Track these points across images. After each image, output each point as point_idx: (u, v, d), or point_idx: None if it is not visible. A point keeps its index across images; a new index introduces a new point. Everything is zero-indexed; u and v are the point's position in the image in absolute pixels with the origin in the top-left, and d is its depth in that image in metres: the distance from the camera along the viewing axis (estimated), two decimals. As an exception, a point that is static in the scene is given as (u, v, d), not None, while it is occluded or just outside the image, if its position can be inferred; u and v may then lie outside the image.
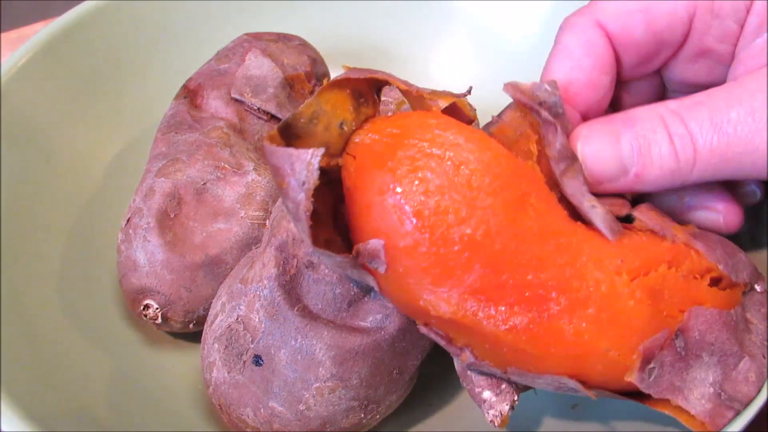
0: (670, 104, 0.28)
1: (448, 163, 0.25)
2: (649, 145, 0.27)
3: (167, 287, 0.35)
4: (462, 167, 0.25)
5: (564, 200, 0.28)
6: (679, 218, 0.31)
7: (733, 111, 0.26)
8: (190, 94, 0.41)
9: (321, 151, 0.23)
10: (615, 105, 0.33)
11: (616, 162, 0.28)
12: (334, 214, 0.27)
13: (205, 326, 0.33)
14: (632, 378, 0.26)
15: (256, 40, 0.43)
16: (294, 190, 0.24)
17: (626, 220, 0.30)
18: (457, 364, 0.28)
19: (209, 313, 0.33)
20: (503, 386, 0.28)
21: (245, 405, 0.30)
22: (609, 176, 0.28)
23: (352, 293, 0.30)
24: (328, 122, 0.26)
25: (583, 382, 0.27)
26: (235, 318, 0.31)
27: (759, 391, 0.28)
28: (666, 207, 0.31)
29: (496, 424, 0.28)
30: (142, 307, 0.36)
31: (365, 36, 0.51)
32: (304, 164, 0.23)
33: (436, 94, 0.28)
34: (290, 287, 0.30)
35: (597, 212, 0.28)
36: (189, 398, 0.36)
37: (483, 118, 0.39)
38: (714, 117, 0.26)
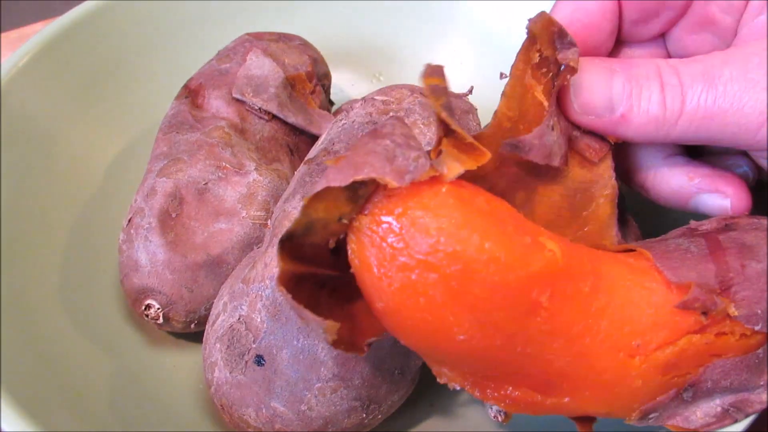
0: (670, 60, 0.28)
1: (453, 282, 0.23)
2: (640, 90, 0.27)
3: (169, 287, 0.35)
4: (468, 287, 0.23)
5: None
6: (685, 203, 0.30)
7: (727, 68, 0.26)
8: (192, 93, 0.41)
9: (335, 328, 0.23)
10: None
11: (606, 98, 0.28)
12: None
13: (206, 326, 0.33)
14: (631, 422, 0.27)
15: (257, 39, 0.43)
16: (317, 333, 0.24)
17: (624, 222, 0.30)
18: None
19: (211, 313, 0.33)
20: None
21: (247, 405, 0.30)
22: (595, 109, 0.28)
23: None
24: (325, 223, 0.24)
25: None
26: (237, 318, 0.31)
27: None
28: (674, 189, 0.30)
29: (499, 419, 0.28)
30: (143, 307, 0.36)
31: (366, 36, 0.51)
32: (320, 333, 0.23)
33: (443, 160, 0.24)
34: (292, 287, 0.30)
35: (549, 135, 0.27)
36: (190, 398, 0.36)
37: (483, 118, 0.39)
38: (707, 72, 0.27)
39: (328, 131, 0.36)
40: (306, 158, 0.35)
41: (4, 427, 0.29)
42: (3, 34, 0.59)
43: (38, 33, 0.43)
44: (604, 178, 0.29)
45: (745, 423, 0.27)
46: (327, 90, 0.45)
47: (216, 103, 0.40)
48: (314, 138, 0.41)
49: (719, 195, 0.30)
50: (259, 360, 0.30)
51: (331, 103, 0.46)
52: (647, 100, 0.27)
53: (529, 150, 0.27)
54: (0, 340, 0.33)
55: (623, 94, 0.28)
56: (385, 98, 0.36)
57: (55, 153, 0.42)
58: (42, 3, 0.61)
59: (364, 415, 0.30)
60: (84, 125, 0.43)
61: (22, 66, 0.41)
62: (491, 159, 0.26)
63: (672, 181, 0.30)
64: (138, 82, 0.46)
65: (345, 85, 0.51)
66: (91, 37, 0.45)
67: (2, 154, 0.39)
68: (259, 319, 0.30)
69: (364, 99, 0.37)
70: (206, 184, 0.37)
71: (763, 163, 0.30)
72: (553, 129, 0.27)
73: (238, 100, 0.40)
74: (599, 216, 0.29)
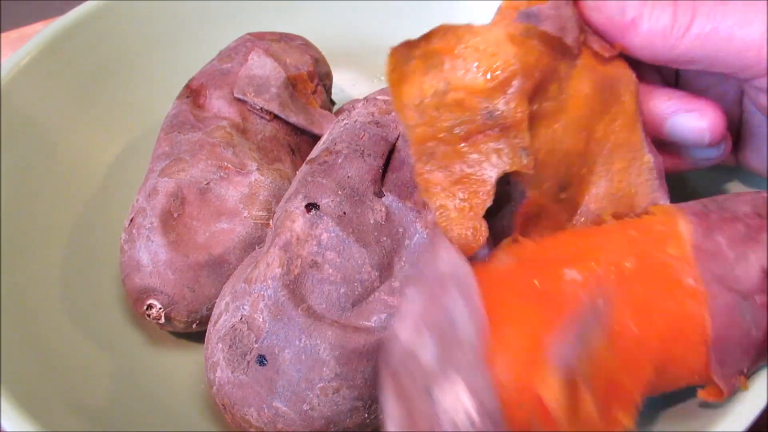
0: None
1: None
2: (654, 1, 0.28)
3: (170, 287, 0.35)
4: None
5: None
6: (660, 127, 0.31)
7: None
8: (193, 93, 0.41)
9: None
10: None
11: (619, 3, 0.28)
12: None
13: (208, 326, 0.33)
14: None
15: (259, 39, 0.43)
16: None
17: None
18: None
19: (213, 312, 0.33)
20: None
21: (249, 405, 0.30)
22: (608, 8, 0.29)
23: (357, 293, 0.30)
24: None
25: None
26: (239, 318, 0.31)
27: None
28: (649, 110, 0.31)
29: None
30: (145, 307, 0.35)
31: (367, 36, 0.51)
32: None
33: None
34: (294, 287, 0.30)
35: (564, 8, 0.28)
36: (192, 398, 0.36)
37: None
38: None
39: (330, 131, 0.36)
40: (308, 158, 0.35)
41: (5, 427, 0.29)
42: (3, 34, 0.59)
43: (39, 33, 0.43)
44: (627, 75, 0.30)
45: (747, 424, 0.27)
46: (328, 90, 0.45)
47: (217, 103, 0.40)
48: (316, 138, 0.41)
49: (696, 114, 0.30)
50: (262, 360, 0.30)
51: (333, 102, 0.46)
52: (659, 10, 0.28)
53: (544, 19, 0.28)
54: (0, 339, 0.33)
55: (637, 2, 0.28)
56: (387, 98, 0.36)
57: (56, 153, 0.42)
58: (42, 3, 0.61)
59: (366, 415, 0.30)
60: (85, 125, 0.43)
61: (22, 66, 0.41)
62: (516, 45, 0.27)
63: (648, 102, 0.31)
64: (139, 82, 0.46)
65: (346, 85, 0.51)
66: (92, 37, 0.45)
67: (3, 154, 0.39)
68: (261, 319, 0.30)
69: (366, 99, 0.37)
70: (208, 183, 0.37)
71: (761, 99, 0.30)
72: (567, 4, 0.29)
73: (239, 100, 0.40)
74: (627, 111, 0.30)
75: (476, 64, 0.28)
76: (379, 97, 0.36)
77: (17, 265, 0.37)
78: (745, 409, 0.28)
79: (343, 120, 0.36)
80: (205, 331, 0.33)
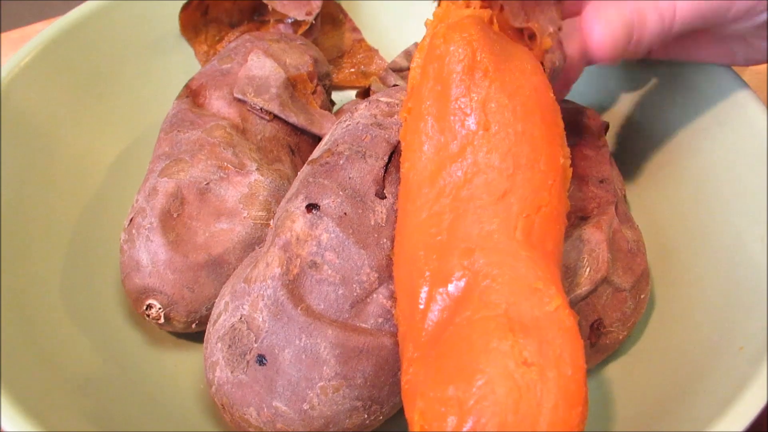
0: None
1: None
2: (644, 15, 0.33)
3: (170, 287, 0.35)
4: None
5: None
6: None
7: None
8: (193, 93, 0.41)
9: None
10: None
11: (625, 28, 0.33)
12: None
13: (208, 326, 0.33)
14: None
15: (259, 40, 0.43)
16: None
17: None
18: None
19: (212, 312, 0.33)
20: None
21: (248, 404, 0.30)
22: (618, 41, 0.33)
23: (355, 294, 0.30)
24: None
25: None
26: (239, 317, 0.31)
27: None
28: None
29: None
30: (144, 307, 0.36)
31: (367, 36, 0.51)
32: None
33: None
34: (294, 287, 0.30)
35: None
36: (191, 398, 0.36)
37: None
38: None
39: (331, 132, 0.36)
40: (310, 159, 0.35)
41: (4, 427, 0.29)
42: (4, 35, 0.59)
43: (39, 33, 0.43)
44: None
45: (746, 424, 0.27)
46: (328, 90, 0.45)
47: (217, 104, 0.40)
48: (316, 138, 0.41)
49: None
50: (261, 359, 0.30)
51: (333, 103, 0.46)
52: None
53: None
54: (0, 339, 0.33)
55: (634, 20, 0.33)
56: (389, 100, 0.36)
57: (57, 153, 0.42)
58: (43, 3, 0.61)
59: (366, 416, 0.30)
60: (85, 125, 0.43)
61: (23, 66, 0.41)
62: None
63: None
64: (139, 82, 0.46)
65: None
66: (93, 37, 0.45)
67: (4, 154, 0.39)
68: (260, 319, 0.30)
69: (368, 100, 0.37)
70: (208, 184, 0.37)
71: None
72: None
73: (239, 100, 0.40)
74: None
75: None
76: (381, 99, 0.36)
77: (17, 265, 0.37)
78: (744, 408, 0.28)
79: (345, 121, 0.36)
80: (204, 331, 0.33)
